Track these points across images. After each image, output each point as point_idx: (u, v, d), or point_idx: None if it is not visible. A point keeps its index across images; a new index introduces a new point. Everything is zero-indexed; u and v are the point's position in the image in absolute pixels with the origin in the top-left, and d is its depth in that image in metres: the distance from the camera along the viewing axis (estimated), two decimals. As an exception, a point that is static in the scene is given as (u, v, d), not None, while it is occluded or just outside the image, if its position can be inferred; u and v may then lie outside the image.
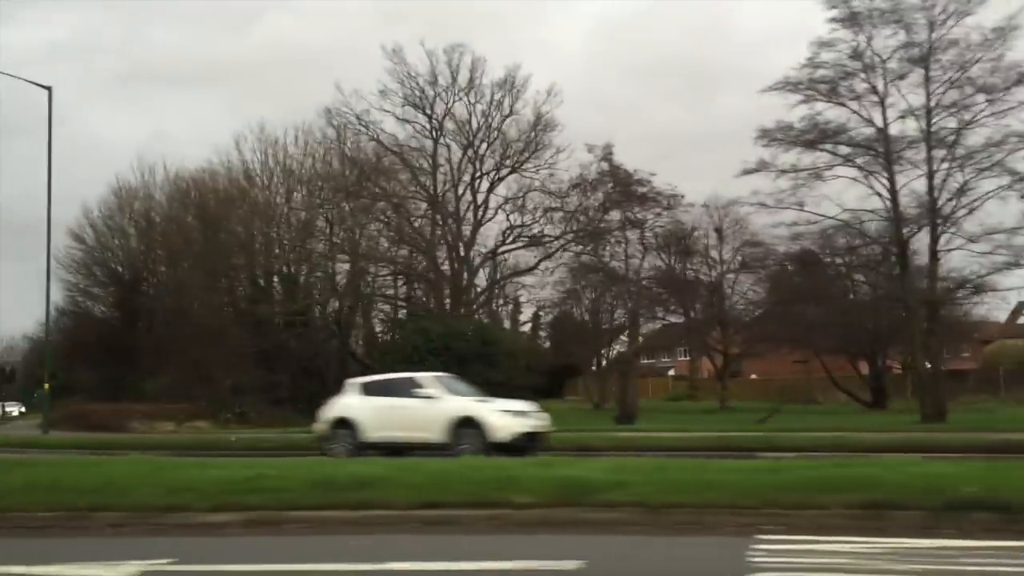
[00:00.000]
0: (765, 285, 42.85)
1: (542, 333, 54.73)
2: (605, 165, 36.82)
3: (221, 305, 41.71)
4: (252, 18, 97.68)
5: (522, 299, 49.49)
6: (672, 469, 9.71)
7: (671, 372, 72.83)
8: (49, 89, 33.99)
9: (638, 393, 37.26)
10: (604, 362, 50.20)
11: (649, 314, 38.60)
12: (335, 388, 37.11)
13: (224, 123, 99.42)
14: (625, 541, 7.59)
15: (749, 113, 74.76)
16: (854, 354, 42.79)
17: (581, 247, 42.89)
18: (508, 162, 47.41)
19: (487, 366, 34.75)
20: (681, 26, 76.73)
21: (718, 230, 43.74)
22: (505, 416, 15.84)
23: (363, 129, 45.44)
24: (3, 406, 54.77)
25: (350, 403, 17.44)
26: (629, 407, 31.76)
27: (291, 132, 45.40)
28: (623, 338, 45.47)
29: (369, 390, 17.61)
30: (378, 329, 43.73)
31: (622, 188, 35.51)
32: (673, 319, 44.30)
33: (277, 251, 42.14)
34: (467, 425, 15.73)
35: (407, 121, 46.10)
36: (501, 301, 50.18)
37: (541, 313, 47.57)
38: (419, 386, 16.84)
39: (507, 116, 46.99)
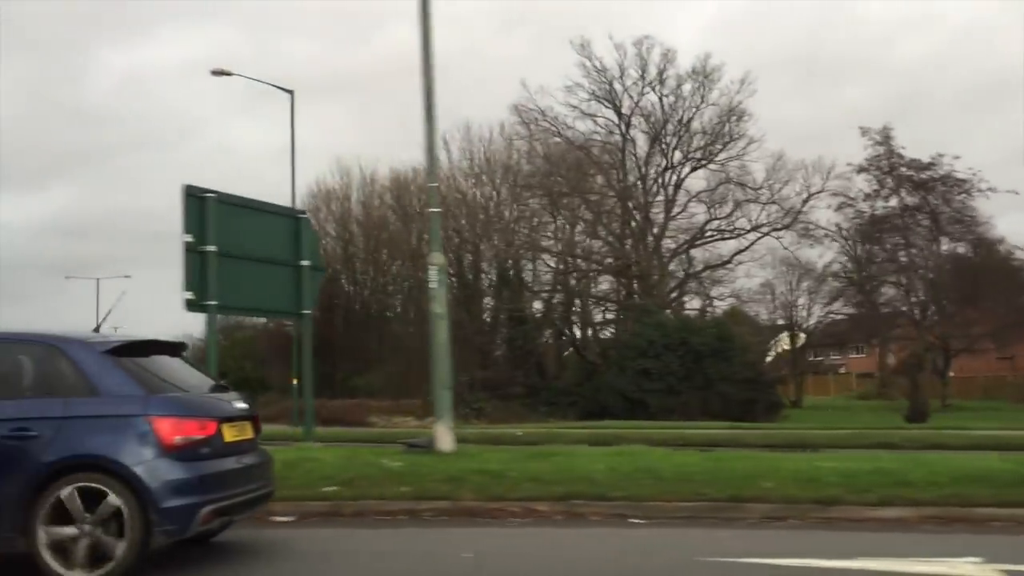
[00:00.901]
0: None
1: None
2: (880, 149, 35.71)
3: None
4: (374, 29, 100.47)
5: (716, 292, 48.64)
6: None
7: (842, 369, 70.57)
8: (291, 93, 34.96)
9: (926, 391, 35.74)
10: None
11: (953, 307, 37.00)
12: (559, 384, 37.63)
13: (351, 132, 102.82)
14: None
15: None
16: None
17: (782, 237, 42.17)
18: (699, 154, 46.82)
19: (722, 361, 34.14)
20: (797, 21, 74.32)
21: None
22: None
23: (550, 125, 45.66)
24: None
25: None
26: (921, 405, 30.64)
27: (488, 131, 45.89)
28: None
29: None
30: (597, 323, 43.49)
31: (908, 172, 34.27)
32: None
33: (489, 248, 42.38)
34: None
35: (592, 116, 46.15)
36: (693, 296, 49.49)
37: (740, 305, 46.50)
38: None
39: (698, 107, 46.47)
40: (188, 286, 12.04)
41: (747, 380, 32.79)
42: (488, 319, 42.78)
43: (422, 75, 11.52)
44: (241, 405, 7.27)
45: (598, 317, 43.40)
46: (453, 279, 45.16)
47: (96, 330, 7.58)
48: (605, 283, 46.69)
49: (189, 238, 12.06)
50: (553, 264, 43.93)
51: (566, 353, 42.78)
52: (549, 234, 44.77)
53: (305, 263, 13.68)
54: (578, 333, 42.22)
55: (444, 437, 11.12)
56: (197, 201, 12.21)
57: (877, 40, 71.99)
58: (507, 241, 40.72)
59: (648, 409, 32.66)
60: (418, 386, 41.21)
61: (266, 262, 13.10)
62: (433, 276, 11.35)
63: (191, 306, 12.08)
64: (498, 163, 45.29)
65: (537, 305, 43.06)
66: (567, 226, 44.67)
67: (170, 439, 6.30)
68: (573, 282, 41.88)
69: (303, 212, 15.88)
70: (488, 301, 43.86)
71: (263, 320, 64.29)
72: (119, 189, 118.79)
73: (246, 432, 7.13)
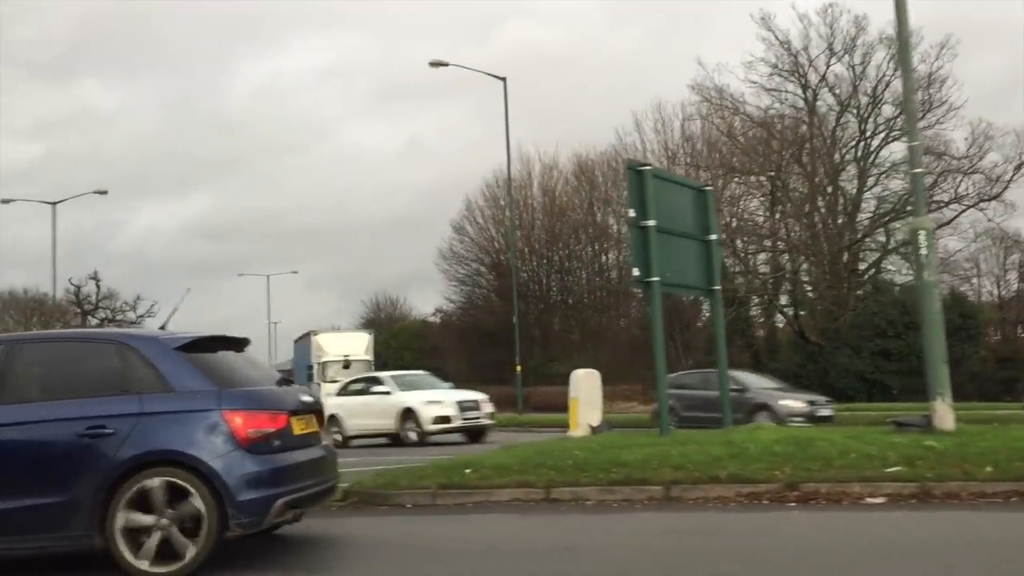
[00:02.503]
0: None
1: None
2: None
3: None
4: (493, 26, 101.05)
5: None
6: None
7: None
8: (504, 80, 34.92)
9: None
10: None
11: None
12: (779, 367, 36.35)
13: (471, 129, 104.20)
14: None
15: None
16: None
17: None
18: (895, 123, 44.61)
19: (965, 340, 32.29)
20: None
21: None
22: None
23: (728, 103, 44.35)
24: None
25: None
26: None
27: (678, 110, 44.94)
28: None
29: None
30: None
31: None
32: None
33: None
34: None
35: (775, 91, 44.54)
36: (889, 271, 47.36)
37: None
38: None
39: (893, 75, 44.24)
40: (635, 262, 11.68)
41: (1003, 359, 30.91)
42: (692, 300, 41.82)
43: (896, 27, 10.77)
44: (307, 398, 7.25)
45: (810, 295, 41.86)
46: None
47: (162, 328, 7.53)
48: (804, 262, 45.17)
49: (632, 213, 11.70)
50: (764, 244, 42.63)
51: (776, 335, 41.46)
52: (748, 214, 43.52)
53: (712, 237, 13.16)
54: (788, 314, 40.80)
55: (945, 415, 10.38)
56: (637, 175, 11.81)
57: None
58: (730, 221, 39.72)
59: (891, 391, 31.19)
60: (630, 371, 40.78)
61: (686, 236, 12.64)
62: (923, 241, 10.60)
63: (638, 283, 11.73)
64: (692, 143, 44.32)
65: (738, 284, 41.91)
66: (767, 205, 43.30)
67: (243, 432, 6.30)
68: (786, 262, 40.47)
69: (707, 185, 15.34)
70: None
71: (429, 312, 65.74)
72: (253, 193, 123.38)
73: (312, 425, 7.09)
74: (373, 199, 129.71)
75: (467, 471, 9.81)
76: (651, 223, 11.71)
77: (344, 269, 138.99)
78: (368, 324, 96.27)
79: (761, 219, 45.32)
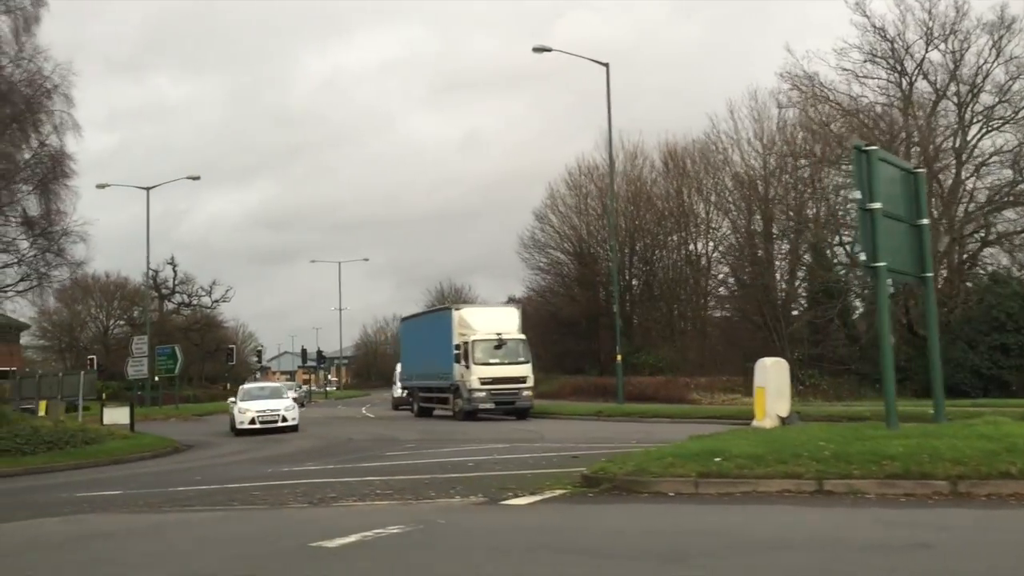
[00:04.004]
0: None
1: None
2: None
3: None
4: (553, 20, 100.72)
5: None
6: None
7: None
8: (607, 65, 34.40)
9: None
10: None
11: None
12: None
13: (529, 122, 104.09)
14: None
15: None
16: None
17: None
18: (998, 111, 43.15)
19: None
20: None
21: None
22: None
23: (820, 91, 43.24)
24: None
25: None
26: None
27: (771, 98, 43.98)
28: None
29: None
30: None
31: None
32: None
33: (798, 220, 40.56)
34: None
35: (869, 77, 43.32)
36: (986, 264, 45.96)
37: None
38: None
39: (994, 62, 42.79)
40: (862, 246, 11.19)
41: None
42: (787, 291, 41.05)
43: None
44: None
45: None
46: (743, 250, 43.72)
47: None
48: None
49: (858, 195, 11.20)
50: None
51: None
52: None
53: (924, 222, 12.59)
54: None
55: None
56: (863, 156, 11.31)
57: None
58: (828, 212, 38.84)
59: (1009, 387, 30.20)
60: (726, 361, 40.10)
61: (900, 220, 12.08)
62: None
63: (865, 266, 11.25)
64: (787, 131, 43.37)
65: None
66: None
67: None
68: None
69: (919, 167, 14.74)
70: (781, 269, 42.01)
71: (500, 301, 65.51)
72: (312, 183, 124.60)
73: None
74: (431, 189, 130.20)
75: (717, 460, 9.44)
76: (877, 206, 11.20)
77: (401, 258, 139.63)
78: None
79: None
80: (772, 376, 13.87)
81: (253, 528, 8.60)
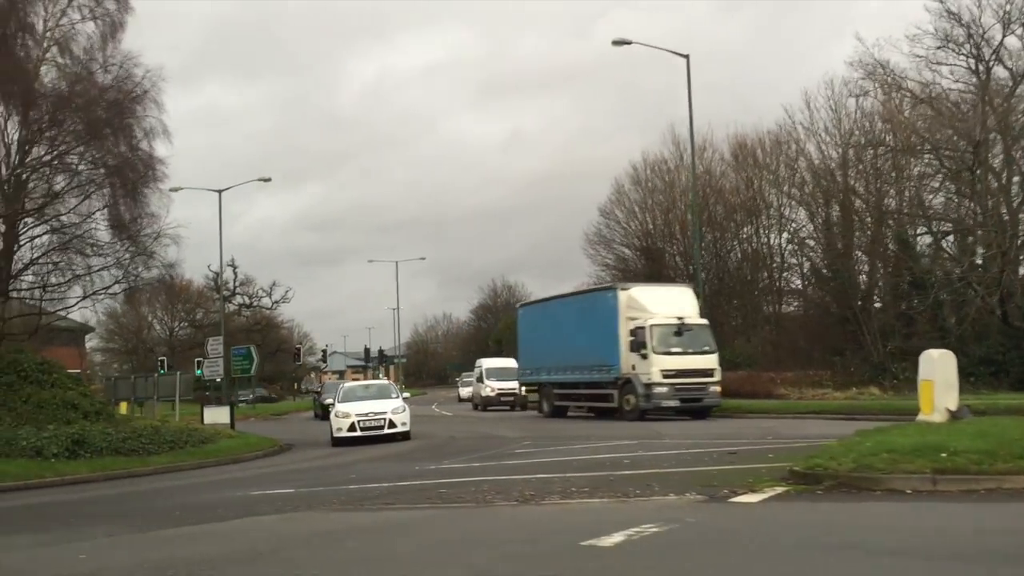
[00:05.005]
0: None
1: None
2: None
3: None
4: (595, 19, 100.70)
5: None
6: None
7: None
8: (687, 57, 34.00)
9: None
10: None
11: None
12: (979, 353, 34.47)
13: (570, 121, 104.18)
14: None
15: None
16: None
17: None
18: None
19: None
20: None
21: None
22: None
23: (893, 79, 42.39)
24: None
25: None
26: None
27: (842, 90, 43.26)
28: None
29: None
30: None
31: None
32: None
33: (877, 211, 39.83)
34: None
35: (942, 64, 42.35)
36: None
37: None
38: None
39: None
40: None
41: None
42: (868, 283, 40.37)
43: None
44: None
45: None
46: (821, 240, 43.07)
47: None
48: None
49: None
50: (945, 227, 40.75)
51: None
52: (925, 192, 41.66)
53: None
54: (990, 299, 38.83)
55: None
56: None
57: None
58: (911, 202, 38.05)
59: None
60: (806, 355, 39.50)
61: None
62: None
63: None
64: (865, 121, 42.63)
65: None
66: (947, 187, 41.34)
67: None
68: (972, 243, 38.53)
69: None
70: (861, 261, 41.24)
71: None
72: (360, 186, 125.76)
73: None
74: (474, 189, 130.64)
75: (943, 455, 9.16)
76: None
77: (442, 257, 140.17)
78: (486, 310, 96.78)
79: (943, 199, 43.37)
80: (939, 368, 13.51)
81: (495, 526, 8.46)
